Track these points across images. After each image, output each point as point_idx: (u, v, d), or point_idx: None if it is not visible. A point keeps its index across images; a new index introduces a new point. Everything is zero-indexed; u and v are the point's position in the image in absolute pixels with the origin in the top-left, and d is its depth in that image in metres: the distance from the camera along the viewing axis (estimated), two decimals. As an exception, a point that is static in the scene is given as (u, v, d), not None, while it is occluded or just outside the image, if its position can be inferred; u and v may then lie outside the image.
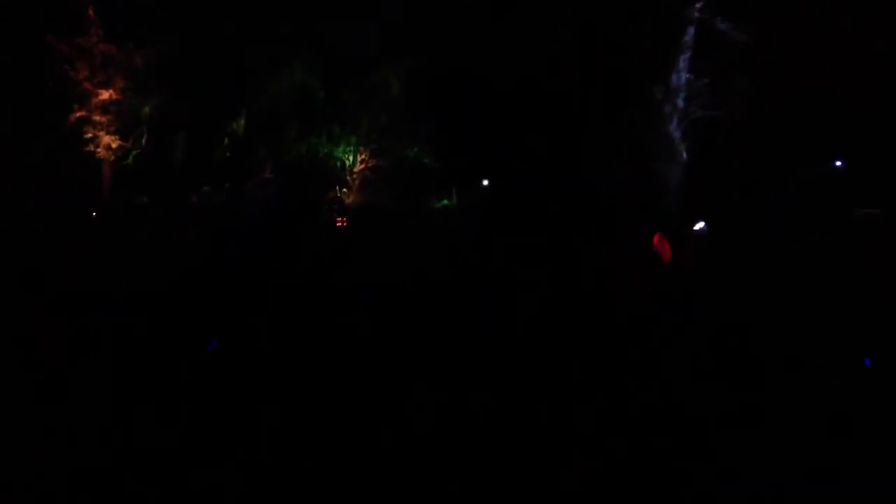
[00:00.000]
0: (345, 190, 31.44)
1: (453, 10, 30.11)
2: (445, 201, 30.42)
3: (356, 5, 30.36)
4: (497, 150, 30.33)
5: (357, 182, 31.77)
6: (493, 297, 14.41)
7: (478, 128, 30.64)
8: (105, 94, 26.51)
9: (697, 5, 25.23)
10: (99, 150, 26.72)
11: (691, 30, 25.40)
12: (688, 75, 25.54)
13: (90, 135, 26.54)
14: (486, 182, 31.84)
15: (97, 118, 26.49)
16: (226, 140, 31.58)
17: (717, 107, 25.39)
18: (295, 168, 31.30)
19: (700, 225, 20.94)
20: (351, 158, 32.29)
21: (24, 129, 25.96)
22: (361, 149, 31.95)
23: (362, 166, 31.94)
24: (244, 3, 29.69)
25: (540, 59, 28.59)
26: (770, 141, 24.84)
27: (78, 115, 26.25)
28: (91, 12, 26.49)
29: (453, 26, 30.29)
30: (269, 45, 30.21)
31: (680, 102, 25.66)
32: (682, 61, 25.56)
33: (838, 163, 26.06)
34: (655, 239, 19.21)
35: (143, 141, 28.00)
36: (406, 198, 30.30)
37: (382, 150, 32.00)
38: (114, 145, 26.85)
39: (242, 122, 31.61)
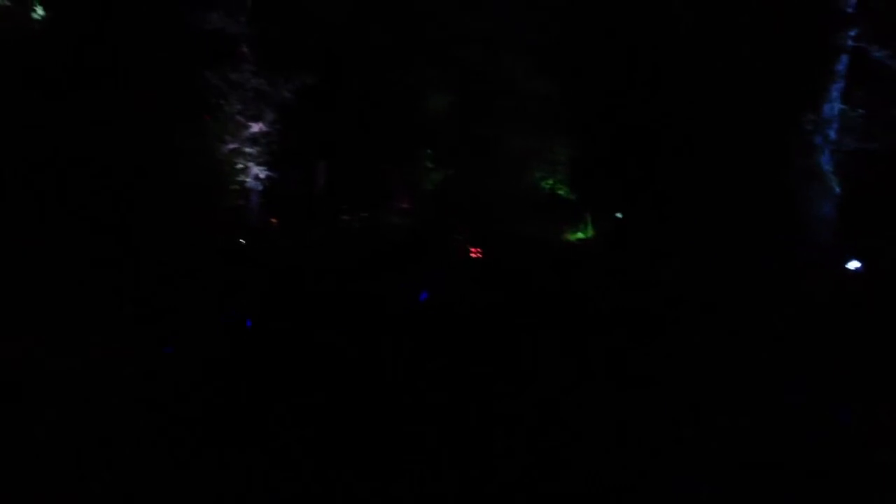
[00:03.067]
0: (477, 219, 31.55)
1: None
2: (581, 234, 30.06)
3: (494, 25, 30.58)
4: (633, 181, 29.86)
5: (491, 210, 31.81)
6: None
7: (614, 156, 30.31)
8: (255, 127, 27.81)
9: (851, 33, 24.01)
10: (248, 180, 28.00)
11: (844, 58, 24.21)
12: (841, 106, 24.32)
13: (240, 165, 27.85)
14: (619, 215, 31.28)
15: (247, 150, 27.80)
16: (364, 170, 32.40)
17: (873, 139, 24.03)
18: (430, 197, 31.77)
19: (854, 264, 19.87)
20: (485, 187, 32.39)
21: (180, 160, 27.56)
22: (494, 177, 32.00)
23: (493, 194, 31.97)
24: (382, 35, 30.48)
25: (682, 86, 28.05)
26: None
27: (231, 146, 27.62)
28: (244, 49, 27.95)
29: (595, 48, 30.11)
30: (403, 70, 30.87)
31: (832, 134, 24.43)
32: (835, 91, 24.38)
33: None
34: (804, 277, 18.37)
35: (288, 171, 29.18)
36: (540, 228, 30.12)
37: (516, 179, 31.99)
38: (262, 176, 28.07)
39: (380, 151, 32.38)
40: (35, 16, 15.78)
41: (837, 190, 24.36)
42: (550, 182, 31.85)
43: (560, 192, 31.43)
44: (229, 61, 27.79)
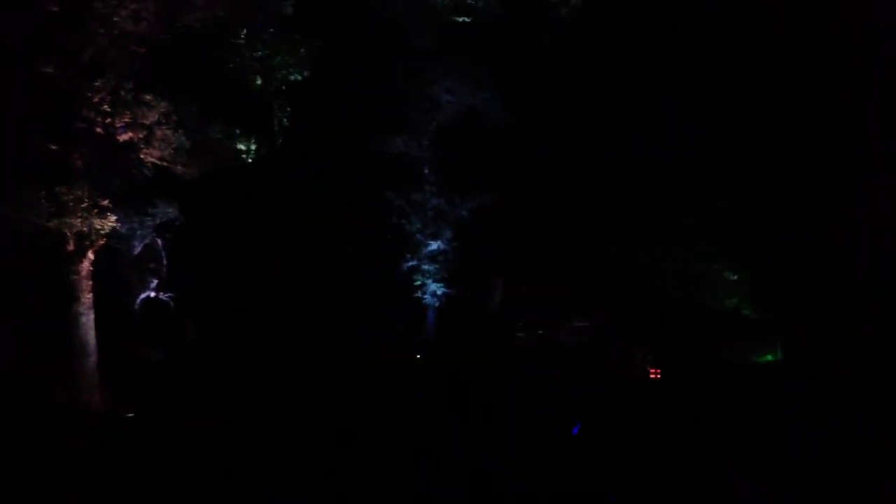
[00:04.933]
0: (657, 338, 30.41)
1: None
2: (770, 356, 28.17)
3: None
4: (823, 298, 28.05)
5: (672, 329, 30.63)
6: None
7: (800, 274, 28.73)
8: (434, 245, 28.58)
9: None
10: (425, 296, 28.59)
11: None
12: None
13: (419, 282, 28.55)
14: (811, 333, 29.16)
15: (426, 267, 28.54)
16: (539, 287, 32.30)
17: None
18: (607, 315, 31.07)
19: None
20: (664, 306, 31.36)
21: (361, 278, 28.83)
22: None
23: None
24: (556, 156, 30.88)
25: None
26: None
27: (410, 264, 28.46)
28: (426, 170, 29.06)
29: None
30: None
31: None
32: None
33: None
34: None
35: (465, 288, 29.64)
36: (725, 349, 28.60)
37: (696, 297, 30.77)
38: (439, 293, 28.61)
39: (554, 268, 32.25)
40: (241, 146, 17.04)
41: None
42: (734, 301, 30.33)
43: (745, 311, 29.79)
44: (411, 182, 28.94)
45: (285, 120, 16.24)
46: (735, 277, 30.04)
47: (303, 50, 16.01)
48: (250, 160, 16.75)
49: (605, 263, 30.97)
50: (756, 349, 28.89)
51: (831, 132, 28.10)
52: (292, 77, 16.48)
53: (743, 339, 29.20)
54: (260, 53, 16.23)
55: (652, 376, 26.66)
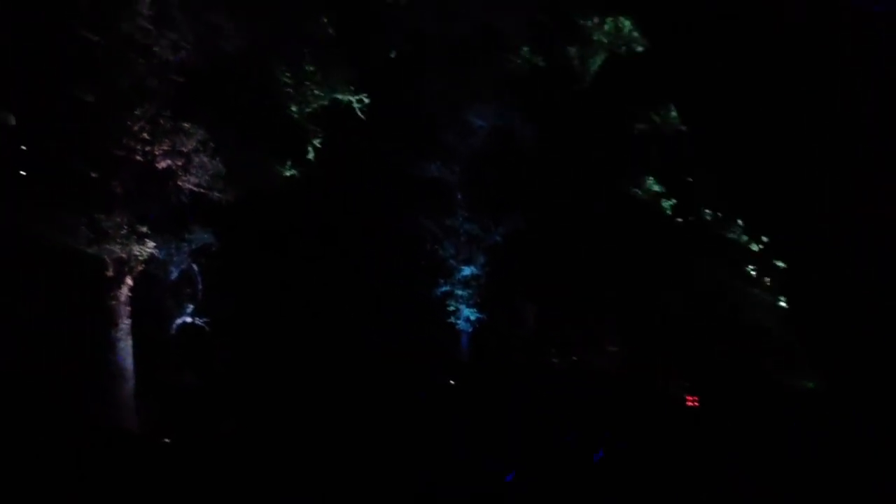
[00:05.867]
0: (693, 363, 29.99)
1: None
2: (809, 383, 27.62)
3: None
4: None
5: (708, 354, 30.22)
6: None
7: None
8: (467, 270, 28.50)
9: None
10: (458, 322, 28.49)
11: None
12: None
13: (452, 308, 28.46)
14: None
15: (459, 292, 28.45)
16: (572, 312, 32.05)
17: None
18: (642, 340, 30.74)
19: None
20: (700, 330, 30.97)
21: (397, 302, 28.82)
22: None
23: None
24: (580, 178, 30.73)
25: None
26: None
27: (443, 289, 28.41)
28: (459, 196, 29.07)
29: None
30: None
31: None
32: None
33: None
34: None
35: (498, 313, 29.49)
36: (763, 374, 28.13)
37: (732, 321, 30.39)
38: (472, 318, 28.51)
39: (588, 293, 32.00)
40: (286, 172, 17.23)
41: None
42: (770, 325, 29.83)
43: (785, 336, 29.23)
44: (444, 207, 28.93)
45: (318, 144, 16.43)
46: (772, 297, 29.74)
47: (344, 83, 16.22)
48: (281, 186, 16.95)
49: (641, 287, 30.71)
50: (796, 374, 28.42)
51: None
52: (326, 103, 16.69)
53: (782, 362, 28.73)
54: (294, 80, 16.45)
55: (689, 404, 26.27)
